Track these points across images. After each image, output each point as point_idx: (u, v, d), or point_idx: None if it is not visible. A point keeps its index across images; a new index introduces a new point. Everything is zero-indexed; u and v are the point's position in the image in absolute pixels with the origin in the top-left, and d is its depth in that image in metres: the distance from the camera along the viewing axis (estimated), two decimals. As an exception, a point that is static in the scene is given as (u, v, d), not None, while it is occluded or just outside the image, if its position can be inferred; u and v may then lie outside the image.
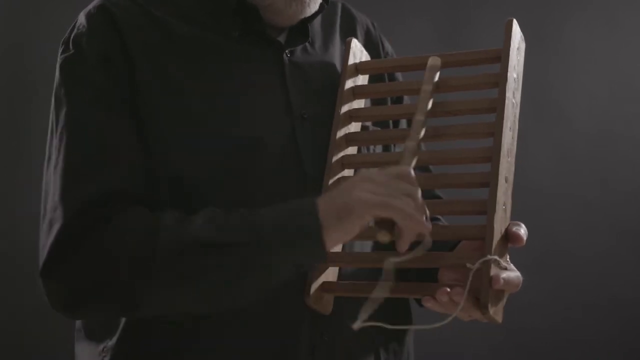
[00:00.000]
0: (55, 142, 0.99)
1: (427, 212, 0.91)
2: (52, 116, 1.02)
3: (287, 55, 1.07)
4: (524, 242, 0.96)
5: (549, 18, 2.54)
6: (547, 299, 2.41)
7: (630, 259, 2.51)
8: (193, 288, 0.92)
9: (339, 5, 1.21)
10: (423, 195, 1.15)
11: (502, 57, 1.02)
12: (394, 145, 1.14)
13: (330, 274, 1.02)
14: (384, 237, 0.89)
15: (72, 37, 1.03)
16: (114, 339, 1.00)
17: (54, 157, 0.99)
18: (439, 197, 1.21)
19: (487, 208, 0.94)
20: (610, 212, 2.52)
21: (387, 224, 0.89)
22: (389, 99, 1.17)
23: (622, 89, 2.56)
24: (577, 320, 2.47)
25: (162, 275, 0.91)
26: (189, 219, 0.92)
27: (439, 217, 1.20)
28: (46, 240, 0.95)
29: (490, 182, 0.96)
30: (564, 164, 2.52)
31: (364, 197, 0.88)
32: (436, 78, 1.04)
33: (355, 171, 1.07)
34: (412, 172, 0.92)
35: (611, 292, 2.48)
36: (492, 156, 0.97)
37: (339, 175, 1.04)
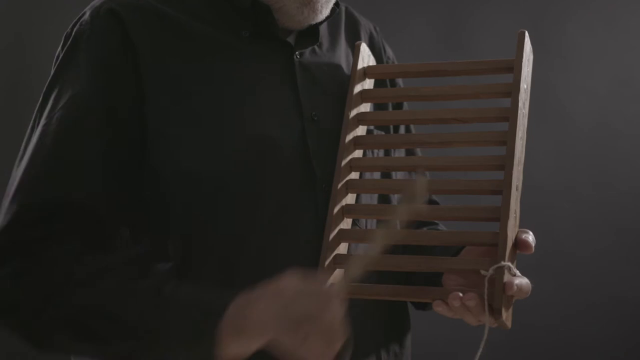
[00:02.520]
0: (29, 137, 0.99)
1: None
2: (36, 111, 1.01)
3: (297, 57, 1.07)
4: (533, 249, 0.98)
5: (549, 17, 2.55)
6: (546, 298, 2.41)
7: (629, 257, 2.52)
8: (88, 351, 0.94)
9: (343, 9, 1.21)
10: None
11: (514, 68, 1.04)
12: (394, 151, 1.15)
13: (338, 276, 1.02)
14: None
15: (74, 33, 1.01)
16: None
17: (21, 152, 0.98)
18: (434, 202, 1.22)
19: (500, 215, 0.95)
20: (610, 210, 2.53)
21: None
22: (390, 103, 1.18)
23: (622, 88, 2.57)
24: (576, 319, 2.48)
25: (63, 330, 0.92)
26: (104, 274, 0.92)
27: (437, 222, 1.21)
28: None
29: (502, 190, 0.97)
30: (564, 162, 2.53)
31: (264, 318, 0.84)
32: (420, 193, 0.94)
33: (361, 174, 1.08)
34: (336, 292, 0.86)
35: (610, 291, 2.49)
36: (505, 164, 0.98)
37: (347, 178, 1.05)
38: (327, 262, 0.99)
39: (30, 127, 1.01)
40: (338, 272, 1.02)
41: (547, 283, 2.41)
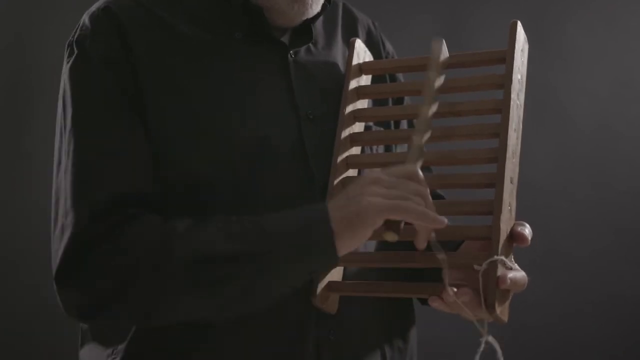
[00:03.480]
0: (65, 146, 1.00)
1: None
2: (59, 119, 1.02)
3: (291, 56, 1.08)
4: (529, 242, 0.97)
5: (549, 18, 2.55)
6: (545, 298, 2.41)
7: (628, 257, 2.51)
8: (207, 297, 0.93)
9: (340, 5, 1.21)
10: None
11: (507, 58, 1.03)
12: (396, 146, 1.15)
13: (336, 274, 1.02)
14: (392, 237, 0.90)
15: (75, 40, 1.03)
16: (125, 343, 1.00)
17: (63, 161, 0.99)
18: (441, 197, 1.22)
19: (494, 208, 0.95)
20: (609, 211, 2.52)
21: (394, 224, 0.90)
22: (390, 99, 1.18)
23: (622, 89, 2.57)
24: (575, 319, 2.48)
25: (177, 284, 0.92)
26: (202, 227, 0.93)
27: None
28: (59, 246, 0.95)
29: (496, 182, 0.97)
30: (563, 163, 2.53)
31: (375, 202, 0.89)
32: (441, 67, 1.05)
33: (359, 171, 1.08)
34: (419, 170, 0.93)
35: (609, 291, 2.49)
36: (498, 157, 0.98)
37: (344, 175, 1.05)
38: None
39: (59, 132, 1.02)
40: (336, 270, 1.02)
41: (546, 282, 2.41)
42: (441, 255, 0.92)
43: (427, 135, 0.99)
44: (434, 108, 1.02)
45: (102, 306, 0.94)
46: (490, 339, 0.93)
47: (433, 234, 0.92)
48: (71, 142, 0.98)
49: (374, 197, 0.89)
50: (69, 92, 1.01)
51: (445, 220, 0.90)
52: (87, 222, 0.94)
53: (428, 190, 0.91)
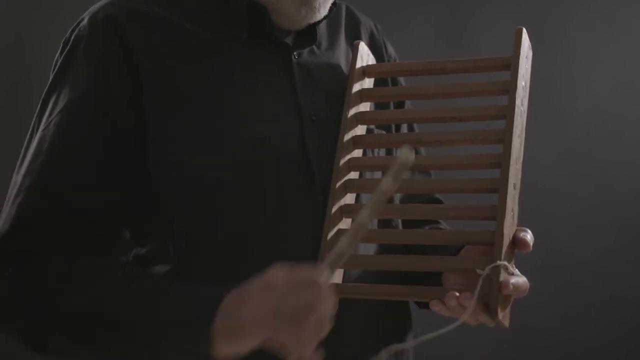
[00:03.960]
0: (28, 142, 1.00)
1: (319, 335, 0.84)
2: (35, 116, 1.02)
3: (295, 57, 1.07)
4: (531, 248, 0.97)
5: (550, 18, 2.55)
6: (547, 298, 2.41)
7: (630, 257, 2.52)
8: (86, 352, 0.94)
9: (343, 8, 1.21)
10: (422, 199, 1.17)
11: (512, 65, 1.03)
12: (397, 149, 1.15)
13: (336, 276, 1.02)
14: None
15: (72, 39, 1.02)
16: None
17: (20, 158, 0.99)
18: (439, 201, 1.22)
19: (497, 214, 0.95)
20: (611, 210, 2.53)
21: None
22: (391, 102, 1.18)
23: (623, 88, 2.57)
24: (577, 319, 2.48)
25: (60, 333, 0.93)
26: (99, 281, 0.93)
27: (440, 221, 1.21)
28: None
29: (499, 188, 0.97)
30: (565, 163, 2.54)
31: (256, 315, 0.83)
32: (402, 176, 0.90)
33: (360, 174, 1.08)
34: (326, 278, 0.84)
35: (611, 291, 2.49)
36: (502, 163, 0.98)
37: (346, 178, 1.05)
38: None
39: (29, 132, 1.01)
40: (338, 272, 1.02)
41: (548, 283, 2.41)
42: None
43: (355, 243, 0.88)
44: (374, 214, 0.89)
45: None
46: None
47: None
48: (33, 142, 0.98)
49: (259, 309, 0.83)
50: (52, 93, 1.00)
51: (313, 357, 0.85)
52: (12, 231, 0.94)
53: (327, 301, 0.83)
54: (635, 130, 2.56)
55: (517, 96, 1.01)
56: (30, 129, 1.01)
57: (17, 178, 0.98)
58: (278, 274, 0.84)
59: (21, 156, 1.00)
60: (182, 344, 0.88)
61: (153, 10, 1.03)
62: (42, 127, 0.99)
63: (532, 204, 2.38)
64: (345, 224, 1.03)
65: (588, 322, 2.49)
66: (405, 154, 0.85)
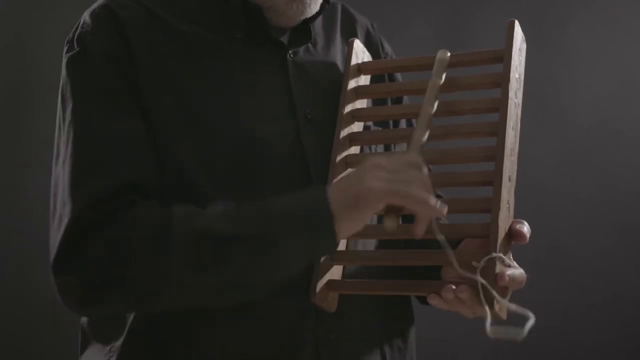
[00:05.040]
0: (63, 138, 1.00)
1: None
2: (59, 113, 1.03)
3: (290, 56, 1.08)
4: (527, 239, 0.97)
5: (550, 18, 2.55)
6: (548, 298, 2.41)
7: (631, 257, 2.51)
8: (206, 279, 0.92)
9: (339, 7, 1.22)
10: None
11: (504, 57, 1.04)
12: (394, 145, 1.16)
13: (335, 273, 1.03)
14: (391, 225, 0.89)
15: (76, 36, 1.03)
16: (121, 339, 1.00)
17: (62, 153, 0.99)
18: (438, 196, 1.22)
19: (492, 206, 0.96)
20: (612, 210, 2.52)
21: (393, 212, 0.90)
22: (389, 99, 1.19)
23: (623, 88, 2.57)
24: (578, 319, 2.47)
25: (176, 266, 0.91)
26: (201, 211, 0.93)
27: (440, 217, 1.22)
28: (56, 236, 0.95)
29: (494, 180, 0.97)
30: (566, 162, 2.53)
31: (375, 185, 0.88)
32: (444, 73, 1.05)
33: None
34: (420, 158, 0.92)
35: (612, 291, 2.49)
36: (496, 155, 0.98)
37: (343, 174, 1.05)
38: (323, 258, 1.00)
39: (57, 126, 1.02)
40: (336, 269, 1.03)
41: (549, 282, 2.41)
42: (440, 237, 0.91)
43: (427, 133, 0.99)
44: (434, 108, 1.02)
45: (101, 292, 0.94)
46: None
47: (434, 220, 0.91)
48: (70, 134, 0.99)
49: (375, 181, 0.88)
50: (68, 86, 1.01)
51: (446, 208, 0.90)
52: (84, 211, 0.94)
53: (429, 179, 0.90)
54: (636, 130, 2.56)
55: (510, 88, 1.01)
56: (58, 122, 1.02)
57: (68, 167, 0.97)
58: (376, 158, 0.91)
59: (56, 149, 1.01)
60: (304, 232, 0.90)
61: (150, 9, 1.04)
62: (69, 117, 0.99)
63: (533, 204, 2.38)
64: None
65: (589, 322, 2.48)
66: (442, 53, 1.01)
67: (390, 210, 0.89)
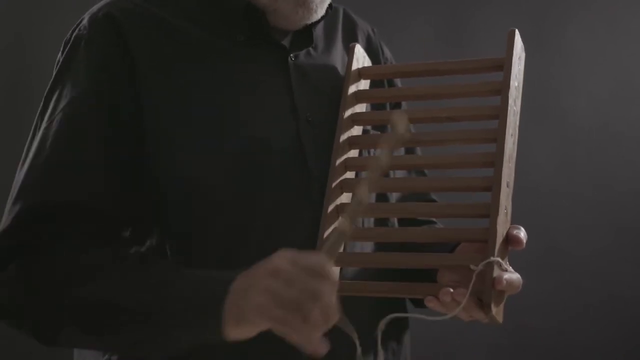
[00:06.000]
0: (31, 140, 1.01)
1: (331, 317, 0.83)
2: (39, 112, 1.02)
3: (291, 59, 1.08)
4: (524, 245, 0.98)
5: (550, 19, 2.55)
6: (545, 298, 2.42)
7: (629, 257, 2.52)
8: (98, 341, 0.95)
9: (341, 11, 1.22)
10: (418, 199, 1.18)
11: (504, 66, 1.05)
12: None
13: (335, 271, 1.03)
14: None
15: (72, 39, 1.03)
16: None
17: (24, 155, 1.00)
18: (433, 201, 1.23)
19: (490, 211, 0.96)
20: (609, 210, 2.53)
21: None
22: (387, 103, 1.19)
23: (622, 89, 2.57)
24: (576, 319, 2.48)
25: (70, 322, 0.93)
26: (107, 269, 0.94)
27: (434, 220, 1.22)
28: None
29: (492, 186, 0.98)
30: (564, 163, 2.54)
31: (262, 305, 0.83)
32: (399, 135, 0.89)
33: (357, 174, 1.09)
34: (329, 264, 0.83)
35: (610, 291, 2.49)
36: (495, 162, 0.99)
37: (342, 177, 1.06)
38: None
39: (32, 131, 1.02)
40: (334, 270, 1.03)
41: (547, 283, 2.41)
42: (350, 330, 0.91)
43: (356, 218, 0.88)
44: (372, 189, 0.89)
45: (5, 315, 0.96)
46: None
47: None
48: (36, 139, 0.99)
49: (264, 296, 0.83)
50: (52, 90, 1.01)
51: (320, 348, 0.83)
52: (17, 226, 0.95)
53: (333, 287, 0.82)
54: (635, 131, 2.57)
55: (509, 96, 1.02)
56: (33, 127, 1.02)
57: (20, 175, 0.98)
58: (284, 259, 0.84)
59: (24, 154, 1.01)
60: (194, 327, 0.89)
61: (152, 11, 1.04)
62: (44, 124, 1.00)
63: (532, 205, 2.38)
64: None
65: (587, 322, 2.49)
66: (399, 120, 0.84)
67: None
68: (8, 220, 0.96)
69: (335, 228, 0.87)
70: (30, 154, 0.98)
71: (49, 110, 1.00)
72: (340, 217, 0.86)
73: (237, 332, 0.86)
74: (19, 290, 0.94)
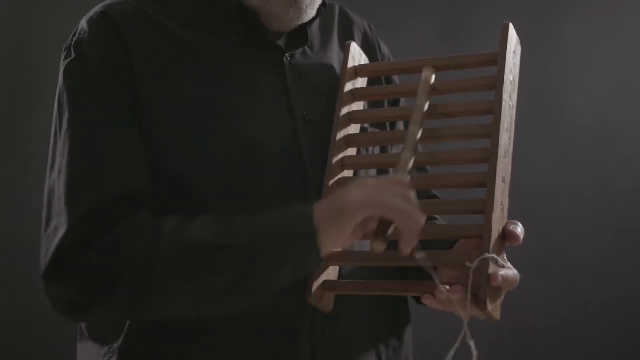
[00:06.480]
0: (59, 147, 1.01)
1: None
2: (55, 121, 1.03)
3: (287, 59, 1.09)
4: (521, 240, 0.98)
5: (549, 18, 2.55)
6: (545, 297, 2.42)
7: (628, 257, 2.52)
8: (194, 292, 0.94)
9: (336, 8, 1.22)
10: (420, 196, 1.18)
11: (498, 60, 1.04)
12: (391, 147, 1.16)
13: (331, 273, 1.03)
14: (379, 246, 0.90)
15: (74, 43, 1.04)
16: (120, 340, 1.01)
17: (57, 162, 1.00)
18: (436, 197, 1.23)
19: (485, 207, 0.96)
20: (609, 210, 2.53)
21: (381, 230, 0.90)
22: (385, 101, 1.19)
23: (621, 87, 2.57)
24: (575, 319, 2.48)
25: (165, 277, 0.93)
26: (190, 223, 0.94)
27: (436, 216, 1.22)
28: (50, 244, 0.96)
29: (487, 182, 0.98)
30: (563, 162, 2.54)
31: (356, 197, 0.89)
32: (430, 85, 1.04)
33: (355, 172, 1.09)
34: (407, 177, 0.93)
35: (610, 290, 2.49)
36: (490, 157, 0.99)
37: (339, 176, 1.06)
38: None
39: (53, 134, 1.03)
40: (332, 269, 1.03)
41: (547, 282, 2.41)
42: (421, 256, 0.92)
43: (413, 157, 0.99)
44: (420, 131, 1.03)
45: (90, 304, 0.95)
46: (472, 344, 0.93)
47: (418, 242, 0.92)
48: (66, 143, 0.99)
49: (356, 194, 0.90)
50: (65, 94, 1.02)
51: (424, 218, 0.90)
52: (80, 222, 0.95)
53: (414, 194, 0.91)
54: (634, 129, 2.57)
55: (504, 90, 1.02)
56: (54, 131, 1.03)
57: (63, 178, 0.98)
58: (364, 178, 0.93)
59: (51, 157, 1.02)
60: (289, 244, 0.91)
61: (148, 13, 1.05)
62: (66, 126, 1.00)
63: (531, 203, 2.38)
64: None
65: (586, 321, 2.49)
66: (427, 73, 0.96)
67: (379, 232, 0.90)
68: (71, 219, 0.95)
69: (401, 156, 0.97)
70: (66, 157, 0.99)
71: (67, 114, 1.01)
72: (403, 149, 0.97)
73: (331, 236, 0.90)
74: (104, 267, 0.94)
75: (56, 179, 0.99)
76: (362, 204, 0.89)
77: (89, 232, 0.94)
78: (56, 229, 0.96)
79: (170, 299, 0.94)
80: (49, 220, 0.98)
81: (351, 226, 0.90)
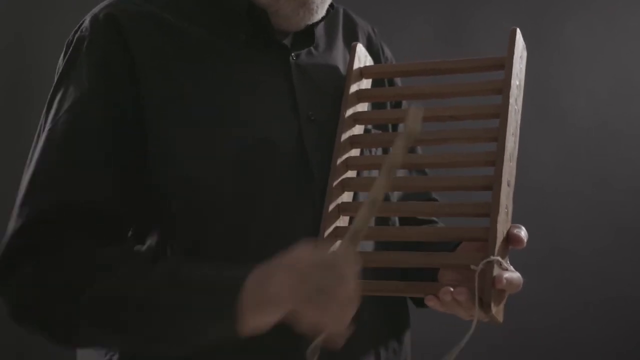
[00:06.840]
0: (36, 142, 1.01)
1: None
2: (43, 113, 1.03)
3: (292, 58, 1.09)
4: (525, 244, 0.98)
5: (549, 18, 2.56)
6: (546, 297, 2.42)
7: (628, 257, 2.52)
8: (116, 337, 0.95)
9: (341, 11, 1.22)
10: (419, 198, 1.18)
11: (506, 65, 1.05)
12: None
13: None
14: (310, 358, 0.87)
15: (74, 40, 1.03)
16: None
17: (30, 156, 1.00)
18: (434, 200, 1.23)
19: (490, 210, 0.97)
20: (610, 210, 2.53)
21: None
22: (388, 102, 1.19)
23: (622, 87, 2.58)
24: (576, 319, 2.48)
25: (87, 318, 0.93)
26: (124, 264, 0.94)
27: (435, 219, 1.22)
28: (4, 241, 0.97)
29: (493, 185, 0.98)
30: (564, 162, 2.54)
31: (282, 291, 0.84)
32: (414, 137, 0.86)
33: (358, 173, 1.09)
34: (352, 251, 0.85)
35: (610, 290, 2.50)
36: (496, 160, 0.99)
37: (343, 177, 1.06)
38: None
39: (37, 132, 1.03)
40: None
41: (547, 282, 2.42)
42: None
43: (370, 218, 0.87)
44: (387, 188, 0.87)
45: (23, 318, 0.96)
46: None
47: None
48: (41, 140, 0.99)
49: (291, 277, 0.84)
50: (56, 92, 1.02)
51: (349, 319, 0.84)
52: (28, 226, 0.95)
53: (353, 275, 0.83)
54: (634, 129, 2.57)
55: (510, 95, 1.02)
56: (38, 129, 1.03)
57: (27, 177, 0.99)
58: (302, 253, 0.85)
59: (30, 155, 1.01)
60: (209, 322, 0.89)
61: (152, 12, 1.04)
62: (48, 126, 1.00)
63: (532, 204, 2.39)
64: (342, 221, 1.05)
65: (587, 321, 2.49)
66: (413, 116, 0.83)
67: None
68: (19, 222, 0.96)
69: (352, 225, 0.86)
70: (36, 155, 0.99)
71: (53, 111, 1.01)
72: (358, 213, 0.85)
73: (254, 322, 0.86)
74: (35, 290, 0.94)
75: (24, 173, 1.00)
76: (286, 299, 0.84)
77: (33, 241, 0.95)
78: (8, 230, 0.97)
79: (93, 338, 0.96)
80: (11, 217, 0.99)
81: (275, 317, 0.86)
